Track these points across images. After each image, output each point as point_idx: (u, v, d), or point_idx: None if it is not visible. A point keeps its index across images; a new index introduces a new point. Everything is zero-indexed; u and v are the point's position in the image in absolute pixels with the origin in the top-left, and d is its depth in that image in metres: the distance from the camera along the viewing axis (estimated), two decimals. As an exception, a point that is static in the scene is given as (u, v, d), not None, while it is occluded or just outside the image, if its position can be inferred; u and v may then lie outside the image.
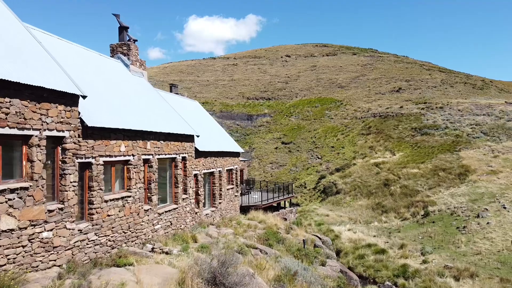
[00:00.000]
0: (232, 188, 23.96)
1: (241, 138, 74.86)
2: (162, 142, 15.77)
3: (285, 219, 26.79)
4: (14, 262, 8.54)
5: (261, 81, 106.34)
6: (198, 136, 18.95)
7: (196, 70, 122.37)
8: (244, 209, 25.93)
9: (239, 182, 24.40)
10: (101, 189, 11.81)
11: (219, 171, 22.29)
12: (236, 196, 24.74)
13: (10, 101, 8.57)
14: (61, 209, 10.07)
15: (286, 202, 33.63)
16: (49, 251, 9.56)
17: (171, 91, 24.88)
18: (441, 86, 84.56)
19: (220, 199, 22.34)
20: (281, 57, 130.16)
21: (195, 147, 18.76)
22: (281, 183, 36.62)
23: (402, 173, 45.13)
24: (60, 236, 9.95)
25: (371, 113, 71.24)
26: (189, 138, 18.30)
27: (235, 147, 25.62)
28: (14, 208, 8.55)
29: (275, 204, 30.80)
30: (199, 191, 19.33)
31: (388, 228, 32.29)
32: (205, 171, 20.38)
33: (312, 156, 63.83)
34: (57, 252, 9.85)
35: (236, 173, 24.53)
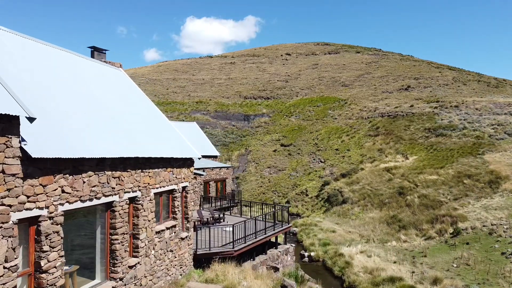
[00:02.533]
0: (174, 226, 13.24)
1: (236, 139, 68.82)
2: None
3: (276, 269, 17.85)
4: None
5: (259, 79, 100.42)
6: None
7: (191, 69, 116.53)
8: (204, 260, 15.50)
9: (190, 213, 14.35)
10: None
11: (131, 199, 11.01)
12: (182, 239, 13.88)
13: None
14: None
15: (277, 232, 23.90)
16: None
17: (92, 57, 14.69)
18: (453, 84, 78.51)
19: (134, 258, 11.16)
20: (281, 55, 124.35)
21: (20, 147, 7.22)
22: (271, 203, 30.36)
23: (419, 179, 39.00)
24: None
25: (378, 112, 65.18)
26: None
27: (186, 150, 14.36)
28: None
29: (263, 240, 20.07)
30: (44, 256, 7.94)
31: (410, 251, 26.13)
32: (72, 205, 8.47)
33: (314, 159, 57.71)
34: None
35: (184, 197, 14.28)
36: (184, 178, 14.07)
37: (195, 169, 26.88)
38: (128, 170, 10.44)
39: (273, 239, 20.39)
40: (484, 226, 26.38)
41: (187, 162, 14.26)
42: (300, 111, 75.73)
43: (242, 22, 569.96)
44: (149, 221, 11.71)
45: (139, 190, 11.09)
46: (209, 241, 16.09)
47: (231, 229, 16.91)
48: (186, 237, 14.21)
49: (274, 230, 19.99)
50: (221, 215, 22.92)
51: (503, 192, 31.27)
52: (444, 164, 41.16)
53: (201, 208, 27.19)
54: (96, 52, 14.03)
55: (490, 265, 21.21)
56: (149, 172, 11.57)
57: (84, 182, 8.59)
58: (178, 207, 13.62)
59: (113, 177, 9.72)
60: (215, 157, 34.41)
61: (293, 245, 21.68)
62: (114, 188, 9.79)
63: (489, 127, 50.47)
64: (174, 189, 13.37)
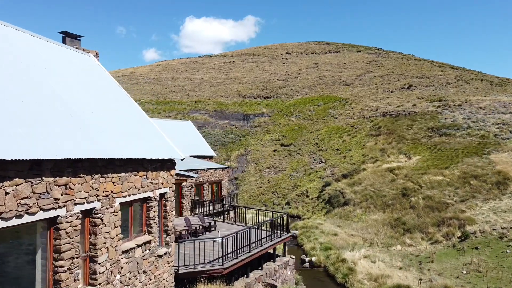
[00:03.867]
0: (148, 242, 11.04)
1: (235, 139, 67.61)
2: None
3: (274, 286, 16.38)
4: None
5: (259, 79, 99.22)
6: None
7: (190, 68, 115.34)
8: (187, 281, 13.31)
9: (170, 224, 12.25)
10: None
11: (86, 212, 8.91)
12: (160, 257, 11.64)
13: None
14: None
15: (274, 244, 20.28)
16: None
17: (64, 43, 12.49)
18: (456, 83, 77.29)
19: (90, 287, 9.02)
20: (281, 54, 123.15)
21: None
22: (270, 204, 28.72)
23: (423, 180, 37.79)
24: None
25: (380, 112, 63.98)
26: None
27: (166, 149, 12.38)
28: None
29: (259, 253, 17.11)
30: None
31: (416, 255, 24.90)
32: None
33: (314, 159, 56.49)
34: None
35: (163, 206, 12.18)
36: (162, 183, 11.82)
37: (184, 170, 24.74)
38: (81, 175, 8.24)
39: (270, 250, 18.00)
40: (493, 229, 25.16)
41: (166, 164, 12.09)
42: (300, 110, 74.52)
43: (242, 22, 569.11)
44: (112, 238, 9.34)
45: (98, 200, 8.86)
46: (194, 257, 13.54)
47: (225, 237, 14.86)
48: (165, 253, 11.82)
49: (271, 241, 17.57)
50: (212, 223, 20.77)
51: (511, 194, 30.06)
52: (448, 164, 39.95)
53: (193, 214, 25.32)
54: (68, 38, 12.22)
55: (502, 272, 20.00)
56: (112, 177, 9.38)
57: (7, 193, 6.40)
58: (154, 219, 11.30)
59: (56, 185, 7.49)
60: (210, 157, 33.04)
61: (293, 257, 19.51)
62: (58, 199, 7.55)
63: (494, 126, 49.27)
64: (149, 197, 11.10)
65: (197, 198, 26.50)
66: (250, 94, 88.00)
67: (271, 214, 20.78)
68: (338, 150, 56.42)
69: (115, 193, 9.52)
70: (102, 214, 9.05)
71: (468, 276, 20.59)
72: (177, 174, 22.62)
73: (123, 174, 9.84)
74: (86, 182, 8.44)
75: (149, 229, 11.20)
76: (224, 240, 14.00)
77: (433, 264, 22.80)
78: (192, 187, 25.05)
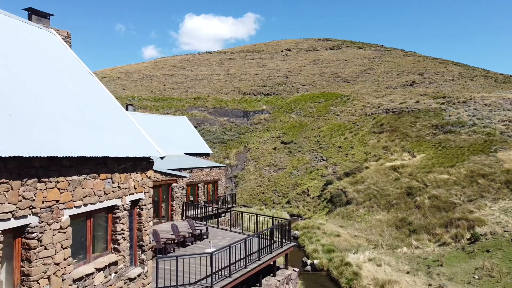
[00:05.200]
0: (114, 264, 8.92)
1: (235, 137, 66.34)
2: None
3: None
4: None
5: (259, 75, 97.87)
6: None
7: (189, 65, 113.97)
8: None
9: (146, 238, 10.10)
10: None
11: (16, 231, 6.75)
12: (132, 280, 9.51)
13: None
14: None
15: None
16: None
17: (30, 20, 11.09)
18: (460, 79, 75.95)
19: None
20: (282, 51, 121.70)
21: None
22: (270, 203, 27.17)
23: (428, 179, 36.54)
24: None
25: (382, 108, 62.67)
26: None
27: (140, 146, 10.26)
28: None
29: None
30: None
31: (423, 258, 23.66)
32: None
33: (316, 157, 55.24)
34: None
35: (137, 216, 10.12)
36: (135, 188, 9.59)
37: (177, 169, 22.99)
38: (3, 180, 6.16)
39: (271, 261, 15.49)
40: (505, 231, 23.92)
41: (141, 164, 9.84)
42: (301, 107, 73.23)
43: (242, 19, 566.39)
44: (56, 264, 7.19)
45: (34, 214, 6.71)
46: (177, 277, 11.03)
47: (212, 250, 12.89)
48: (140, 275, 9.56)
49: (271, 252, 15.20)
50: (204, 230, 18.34)
51: (522, 193, 28.81)
52: (454, 162, 38.69)
53: (184, 217, 23.07)
54: (34, 16, 10.60)
55: (517, 278, 18.77)
56: (58, 182, 7.27)
57: None
58: (123, 232, 9.14)
59: None
60: (207, 155, 31.42)
61: (296, 269, 17.22)
62: None
63: (500, 123, 48.01)
64: (116, 205, 8.95)
65: (192, 199, 25.02)
66: (250, 91, 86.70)
67: (271, 220, 18.09)
68: (339, 147, 55.17)
69: (62, 203, 7.36)
70: (41, 232, 6.84)
71: (481, 281, 19.37)
72: (166, 174, 20.90)
73: (74, 177, 7.70)
74: (12, 189, 6.26)
75: (116, 246, 8.96)
76: (214, 256, 11.63)
77: (442, 268, 21.57)
78: (183, 188, 23.16)
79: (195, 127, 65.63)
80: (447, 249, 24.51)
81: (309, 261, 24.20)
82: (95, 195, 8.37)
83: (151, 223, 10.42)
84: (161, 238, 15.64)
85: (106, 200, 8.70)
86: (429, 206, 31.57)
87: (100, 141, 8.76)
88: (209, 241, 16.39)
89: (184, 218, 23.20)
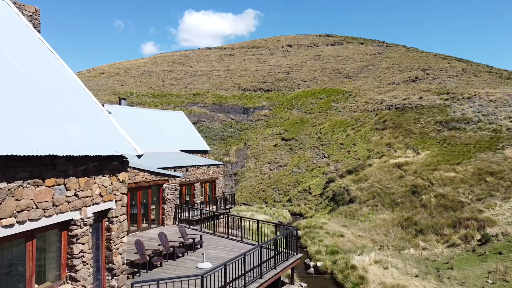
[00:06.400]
0: None
1: (235, 133, 65.19)
2: None
3: None
4: None
5: (259, 71, 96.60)
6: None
7: (189, 61, 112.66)
8: None
9: (118, 259, 8.22)
10: None
11: None
12: None
13: None
14: None
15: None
16: None
17: None
18: (463, 75, 74.68)
19: None
20: (282, 47, 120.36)
21: None
22: (271, 201, 25.87)
23: (434, 177, 35.44)
24: None
25: (385, 105, 61.48)
26: None
27: (110, 141, 8.44)
28: None
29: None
30: None
31: (432, 261, 22.59)
32: None
33: (317, 154, 54.12)
34: None
35: (106, 230, 8.25)
36: (102, 195, 7.72)
37: (171, 168, 21.28)
38: None
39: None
40: (518, 232, 22.83)
41: (109, 165, 7.98)
42: (302, 103, 72.04)
43: (242, 16, 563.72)
44: None
45: None
46: None
47: (207, 265, 11.28)
48: None
49: (275, 267, 13.13)
50: (198, 239, 16.20)
51: (534, 192, 27.71)
52: (460, 160, 37.57)
53: (177, 222, 21.03)
54: None
55: (534, 283, 17.69)
56: None
57: None
58: (83, 255, 7.21)
59: None
60: (205, 152, 30.02)
61: (304, 285, 15.43)
62: None
63: (506, 119, 46.83)
64: (72, 220, 7.08)
65: (188, 199, 23.72)
66: (250, 87, 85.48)
67: (274, 227, 16.10)
68: (342, 144, 54.05)
69: None
70: None
71: (495, 286, 18.29)
72: (156, 174, 19.42)
73: (2, 185, 5.81)
74: None
75: (73, 273, 6.96)
76: (206, 278, 9.47)
77: (452, 271, 20.50)
78: (176, 189, 21.26)
79: (194, 123, 64.54)
80: (457, 251, 23.43)
81: (312, 263, 23.11)
82: (37, 208, 6.35)
83: (125, 239, 8.54)
84: (146, 250, 13.73)
85: (57, 214, 6.68)
86: (435, 205, 30.48)
87: (50, 136, 6.75)
88: (202, 254, 14.00)
89: (177, 222, 21.31)
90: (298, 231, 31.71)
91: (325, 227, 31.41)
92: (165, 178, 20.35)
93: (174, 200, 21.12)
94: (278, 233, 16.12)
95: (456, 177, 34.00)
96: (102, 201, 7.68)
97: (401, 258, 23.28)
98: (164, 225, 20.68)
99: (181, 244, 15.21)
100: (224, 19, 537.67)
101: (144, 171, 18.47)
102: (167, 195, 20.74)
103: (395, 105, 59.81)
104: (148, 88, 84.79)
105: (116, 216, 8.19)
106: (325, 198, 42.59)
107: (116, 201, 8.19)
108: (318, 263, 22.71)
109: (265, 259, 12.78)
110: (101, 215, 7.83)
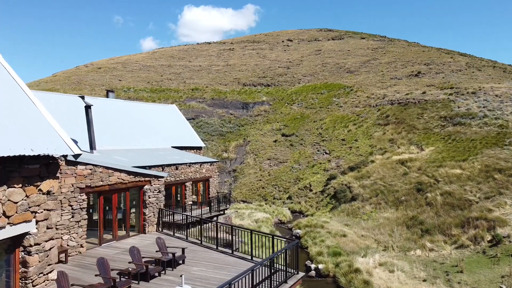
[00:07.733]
0: None
1: (234, 129, 63.91)
2: None
3: None
4: None
5: (259, 66, 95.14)
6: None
7: (188, 55, 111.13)
8: None
9: None
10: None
11: None
12: None
13: None
14: None
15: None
16: None
17: None
18: (467, 70, 73.27)
19: None
20: (282, 41, 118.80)
21: None
22: (271, 198, 24.34)
23: (439, 174, 34.20)
24: None
25: (387, 100, 60.16)
26: None
27: (30, 137, 6.19)
28: None
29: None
30: None
31: (440, 263, 21.41)
32: None
33: (318, 150, 52.87)
34: None
35: (23, 266, 5.80)
36: (8, 216, 5.42)
37: (157, 167, 19.46)
38: None
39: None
40: (531, 233, 21.63)
41: (23, 170, 5.77)
42: (302, 98, 70.69)
43: (241, 11, 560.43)
44: None
45: None
46: None
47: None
48: None
49: (275, 285, 11.00)
50: (179, 253, 13.92)
51: (545, 190, 26.47)
52: (466, 156, 36.30)
53: (160, 229, 18.75)
54: None
55: (552, 289, 16.51)
56: None
57: None
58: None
59: None
60: (199, 148, 28.41)
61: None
62: None
63: (512, 115, 45.55)
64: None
65: (179, 199, 22.28)
66: (250, 82, 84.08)
67: (271, 239, 13.51)
68: (343, 140, 52.78)
69: None
70: None
71: (509, 292, 17.11)
72: (135, 174, 17.41)
73: None
74: None
75: None
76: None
77: (463, 275, 19.31)
78: (159, 191, 19.00)
79: (193, 119, 63.25)
80: (466, 253, 22.23)
81: (313, 266, 21.95)
82: None
83: (53, 274, 6.29)
84: (112, 270, 11.34)
85: None
86: (441, 204, 29.26)
87: None
88: (181, 275, 10.49)
89: (160, 228, 18.96)
90: (299, 230, 30.62)
91: (326, 226, 30.24)
92: (146, 178, 18.15)
93: (157, 203, 18.94)
94: (275, 243, 13.79)
95: (463, 174, 32.76)
96: (8, 223, 5.26)
97: (407, 260, 22.10)
98: (145, 233, 18.47)
99: (157, 261, 12.89)
100: (224, 14, 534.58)
101: (120, 171, 16.45)
102: (149, 198, 18.46)
103: (398, 100, 58.49)
104: (146, 83, 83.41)
105: (38, 244, 5.72)
106: (326, 195, 41.39)
107: (37, 221, 5.79)
108: (320, 266, 21.54)
109: (258, 281, 10.46)
110: (14, 244, 5.49)
